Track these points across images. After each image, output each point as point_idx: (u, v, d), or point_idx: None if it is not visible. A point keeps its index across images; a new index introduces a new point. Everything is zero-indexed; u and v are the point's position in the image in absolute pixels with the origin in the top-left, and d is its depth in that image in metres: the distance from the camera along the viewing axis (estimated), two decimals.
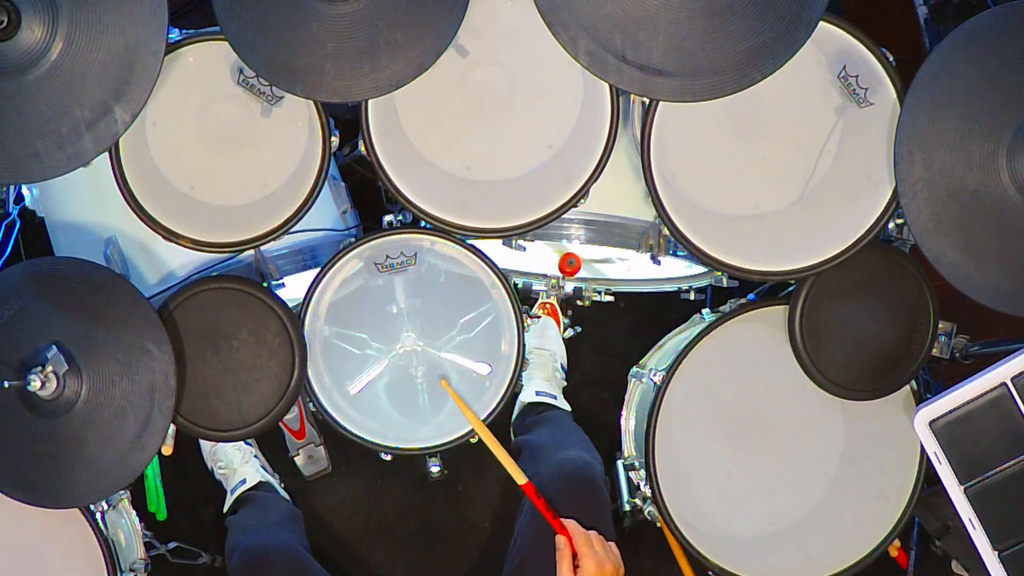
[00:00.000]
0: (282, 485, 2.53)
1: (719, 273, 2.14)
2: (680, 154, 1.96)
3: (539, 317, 2.53)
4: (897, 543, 2.16)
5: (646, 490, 2.20)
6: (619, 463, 2.36)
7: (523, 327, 2.10)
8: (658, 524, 2.20)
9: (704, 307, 2.30)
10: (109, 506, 2.07)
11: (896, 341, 2.01)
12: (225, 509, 2.43)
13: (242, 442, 2.47)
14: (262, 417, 2.03)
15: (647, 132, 1.89)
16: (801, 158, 1.97)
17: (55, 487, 1.87)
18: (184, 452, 2.48)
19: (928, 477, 2.05)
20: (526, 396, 2.44)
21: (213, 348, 2.00)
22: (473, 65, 1.94)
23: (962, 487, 1.81)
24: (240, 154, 1.97)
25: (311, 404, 2.12)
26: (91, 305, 1.88)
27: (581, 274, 2.25)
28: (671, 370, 2.08)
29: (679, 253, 2.11)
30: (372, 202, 2.42)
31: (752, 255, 1.98)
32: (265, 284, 2.07)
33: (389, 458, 2.16)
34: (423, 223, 2.01)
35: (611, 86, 1.90)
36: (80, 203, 2.12)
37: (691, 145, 1.96)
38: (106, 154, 1.84)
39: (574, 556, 1.80)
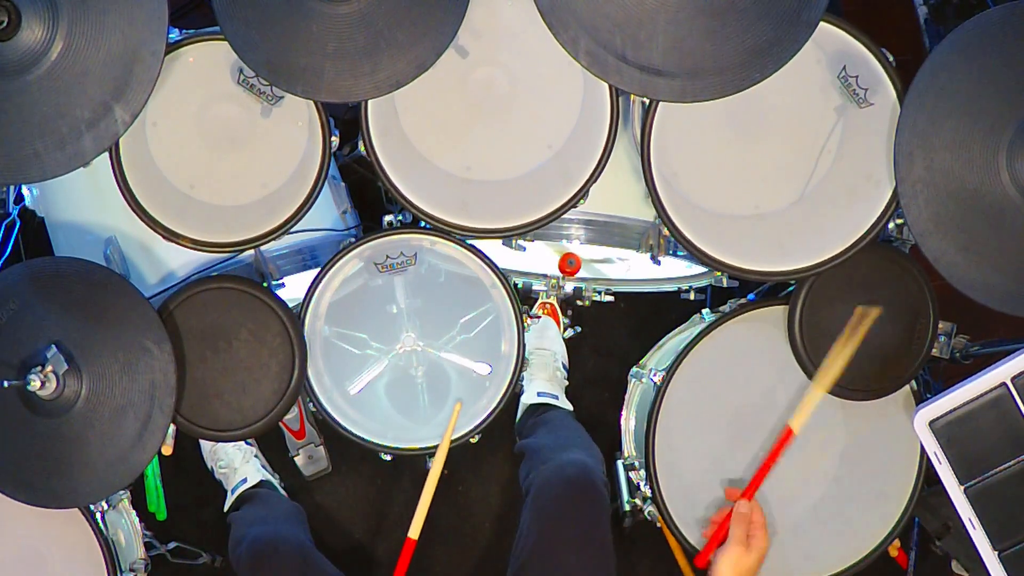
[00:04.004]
0: (282, 485, 2.53)
1: (719, 273, 2.13)
2: (680, 154, 1.96)
3: (539, 317, 2.53)
4: (897, 543, 2.15)
5: (646, 490, 2.20)
6: (619, 463, 2.36)
7: (523, 327, 2.10)
8: (658, 524, 2.20)
9: (704, 307, 2.30)
10: (109, 506, 2.07)
11: (896, 341, 2.01)
12: (226, 508, 2.43)
13: (242, 442, 2.48)
14: (262, 417, 2.03)
15: (647, 132, 1.89)
16: (801, 158, 1.97)
17: (55, 487, 1.87)
18: (184, 452, 2.48)
19: (928, 477, 2.05)
20: (528, 398, 2.44)
21: (213, 348, 2.00)
22: (473, 65, 1.94)
23: (962, 487, 1.80)
24: (240, 154, 1.97)
25: (311, 404, 2.12)
26: (91, 305, 1.87)
27: (581, 274, 2.25)
28: (671, 370, 2.08)
29: (679, 253, 2.11)
30: (372, 202, 2.42)
31: (752, 255, 1.98)
32: (265, 284, 2.06)
33: (389, 458, 2.16)
34: (423, 223, 2.01)
35: (611, 86, 1.90)
36: (80, 203, 2.12)
37: (691, 145, 1.96)
38: (106, 154, 1.84)
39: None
